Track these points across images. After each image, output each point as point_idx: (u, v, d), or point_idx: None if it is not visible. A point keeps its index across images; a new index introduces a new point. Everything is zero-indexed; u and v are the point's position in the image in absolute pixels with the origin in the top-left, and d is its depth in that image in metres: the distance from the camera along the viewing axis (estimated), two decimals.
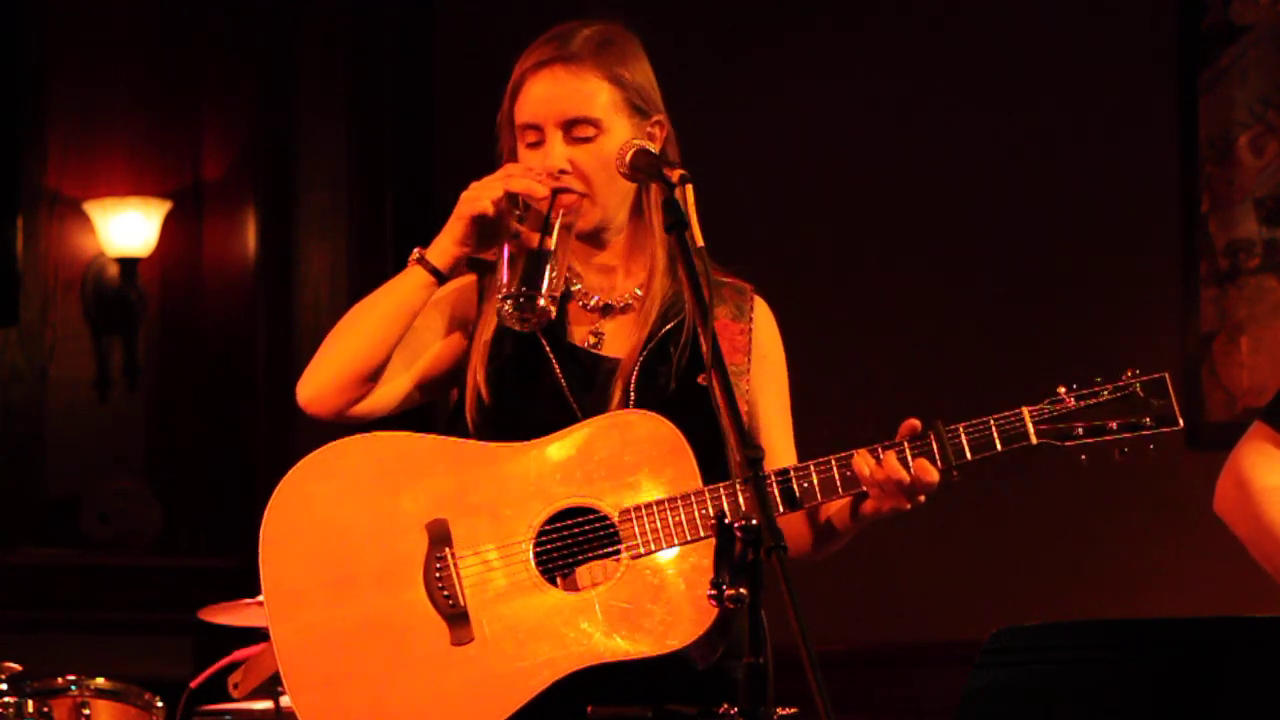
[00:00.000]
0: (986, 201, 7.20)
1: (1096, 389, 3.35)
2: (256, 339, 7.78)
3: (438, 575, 3.27)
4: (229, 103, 7.91)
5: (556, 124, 3.39)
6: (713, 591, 2.82)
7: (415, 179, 7.78)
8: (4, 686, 4.68)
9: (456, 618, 3.26)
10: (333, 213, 7.80)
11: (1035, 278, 7.14)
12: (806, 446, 3.48)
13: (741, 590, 2.79)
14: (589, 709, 3.21)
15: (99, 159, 7.90)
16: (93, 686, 4.82)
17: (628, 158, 3.31)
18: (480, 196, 3.32)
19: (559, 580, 3.28)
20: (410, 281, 3.37)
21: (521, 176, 3.34)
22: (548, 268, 3.29)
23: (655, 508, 3.27)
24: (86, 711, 4.78)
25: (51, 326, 7.88)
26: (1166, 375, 3.38)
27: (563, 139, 3.39)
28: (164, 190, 7.90)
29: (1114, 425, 3.33)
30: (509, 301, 3.27)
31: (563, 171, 3.37)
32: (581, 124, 3.40)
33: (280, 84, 7.82)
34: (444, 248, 3.36)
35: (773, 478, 3.29)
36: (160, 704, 4.91)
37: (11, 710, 4.66)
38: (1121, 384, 3.35)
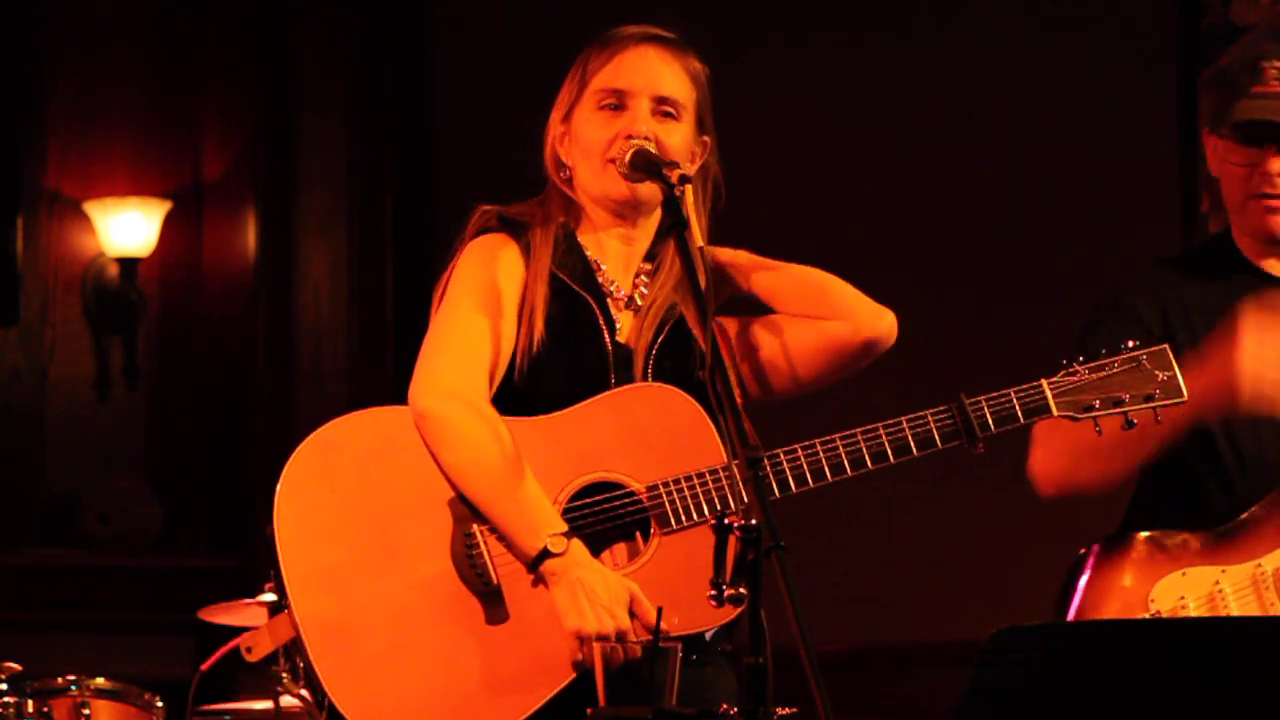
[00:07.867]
0: (986, 201, 7.19)
1: (1106, 360, 3.41)
2: (256, 339, 7.77)
3: (468, 553, 3.24)
4: (229, 102, 7.90)
5: (650, 95, 3.40)
6: (713, 592, 2.81)
7: (415, 179, 7.78)
8: (4, 686, 4.68)
9: (490, 596, 3.23)
10: (333, 213, 7.79)
11: (1035, 277, 7.13)
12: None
13: (741, 590, 2.79)
14: (589, 710, 3.20)
15: (99, 159, 7.90)
16: (93, 686, 4.82)
17: (627, 157, 3.31)
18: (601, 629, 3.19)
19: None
20: (525, 543, 3.24)
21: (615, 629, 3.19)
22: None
23: (684, 482, 3.26)
24: (86, 711, 4.78)
25: (51, 326, 7.88)
26: (1167, 347, 3.45)
27: (649, 111, 3.40)
28: (164, 190, 7.89)
29: (1126, 397, 3.40)
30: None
31: (645, 138, 3.36)
32: (669, 103, 3.42)
33: (280, 84, 7.82)
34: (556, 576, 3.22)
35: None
36: (160, 704, 4.91)
37: (11, 710, 4.66)
38: (1128, 356, 3.41)
